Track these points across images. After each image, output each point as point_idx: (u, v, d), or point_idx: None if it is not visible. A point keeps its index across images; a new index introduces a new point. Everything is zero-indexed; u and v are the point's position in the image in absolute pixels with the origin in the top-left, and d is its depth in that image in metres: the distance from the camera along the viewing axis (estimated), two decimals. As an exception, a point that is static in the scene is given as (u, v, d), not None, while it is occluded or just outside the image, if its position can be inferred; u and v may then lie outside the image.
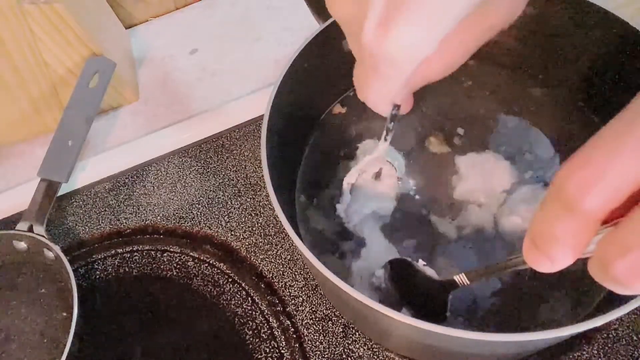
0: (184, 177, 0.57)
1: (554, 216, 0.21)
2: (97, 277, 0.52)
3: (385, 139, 0.40)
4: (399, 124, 0.39)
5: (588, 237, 0.21)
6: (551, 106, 0.48)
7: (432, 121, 0.49)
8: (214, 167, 0.57)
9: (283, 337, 0.47)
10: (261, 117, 0.48)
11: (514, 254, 0.30)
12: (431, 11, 0.25)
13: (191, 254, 0.52)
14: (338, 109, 0.51)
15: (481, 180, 0.45)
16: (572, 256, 0.22)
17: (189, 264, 0.51)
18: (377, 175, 0.45)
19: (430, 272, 0.40)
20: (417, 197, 0.45)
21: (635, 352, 0.43)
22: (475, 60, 0.50)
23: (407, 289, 0.40)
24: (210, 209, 0.55)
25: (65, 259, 0.48)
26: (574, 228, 0.21)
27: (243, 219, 0.53)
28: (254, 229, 0.53)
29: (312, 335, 0.47)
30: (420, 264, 0.40)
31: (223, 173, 0.57)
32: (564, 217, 0.21)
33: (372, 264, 0.43)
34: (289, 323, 0.47)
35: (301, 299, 0.48)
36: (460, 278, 0.36)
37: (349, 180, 0.44)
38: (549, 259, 0.22)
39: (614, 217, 0.20)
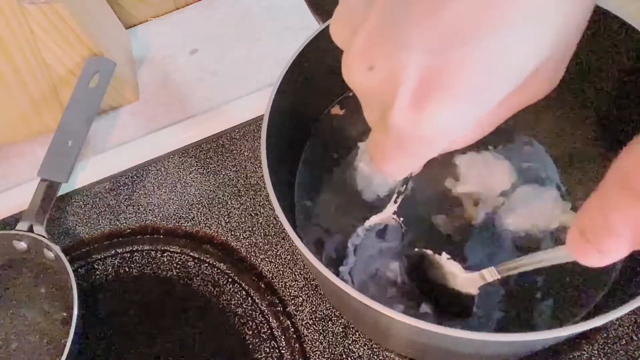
0: (184, 177, 0.57)
1: (615, 205, 0.20)
2: (97, 277, 0.52)
3: (396, 202, 0.39)
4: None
5: None
6: (550, 108, 0.48)
7: None
8: (214, 167, 0.57)
9: (283, 337, 0.47)
10: (261, 117, 0.48)
11: (550, 247, 0.29)
12: (474, 89, 0.23)
13: (191, 254, 0.52)
14: (336, 110, 0.51)
15: (481, 179, 0.45)
16: (628, 249, 0.21)
17: (189, 264, 0.51)
18: (382, 233, 0.43)
19: (454, 266, 0.38)
20: (416, 196, 0.45)
21: (636, 352, 0.43)
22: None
23: (427, 284, 0.39)
24: (210, 209, 0.55)
25: (65, 259, 0.48)
26: (636, 219, 0.20)
27: (243, 219, 0.53)
28: (254, 229, 0.53)
29: (312, 335, 0.47)
30: (444, 257, 0.38)
31: (223, 173, 0.57)
32: (627, 207, 0.20)
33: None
34: (289, 323, 0.47)
35: (301, 299, 0.48)
36: (490, 272, 0.34)
37: (354, 241, 0.43)
38: (600, 251, 0.21)
39: None
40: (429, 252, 0.40)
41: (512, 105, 0.30)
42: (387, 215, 0.41)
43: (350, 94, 0.52)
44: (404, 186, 0.36)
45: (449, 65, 0.22)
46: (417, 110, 0.23)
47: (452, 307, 0.38)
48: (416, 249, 0.41)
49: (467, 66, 0.22)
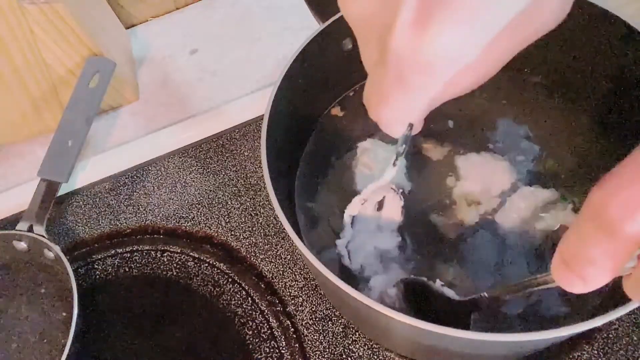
0: (184, 177, 0.57)
1: (591, 238, 0.21)
2: (97, 277, 0.52)
3: (394, 164, 0.37)
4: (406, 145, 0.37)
5: (626, 259, 0.20)
6: (550, 109, 0.48)
7: (427, 135, 0.48)
8: (214, 167, 0.57)
9: (283, 337, 0.47)
10: (261, 117, 0.48)
11: (540, 273, 0.29)
12: (479, 7, 0.21)
13: (191, 254, 0.52)
14: (336, 111, 0.51)
15: (481, 179, 0.45)
16: (607, 277, 0.21)
17: (189, 264, 0.51)
18: (380, 206, 0.42)
19: (449, 292, 0.38)
20: (416, 197, 0.45)
21: (636, 352, 0.43)
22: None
23: (424, 309, 0.38)
24: (210, 209, 0.55)
25: (65, 259, 0.48)
26: (613, 251, 0.20)
27: (243, 219, 0.53)
28: (254, 229, 0.53)
29: (312, 335, 0.47)
30: (438, 284, 0.38)
31: (223, 173, 0.57)
32: (602, 240, 0.20)
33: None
34: (289, 323, 0.47)
35: (301, 299, 0.48)
36: (483, 298, 0.34)
37: (350, 212, 0.41)
38: (583, 280, 0.22)
39: None
40: (424, 278, 0.39)
41: (517, 38, 0.28)
42: (386, 182, 0.39)
43: (351, 94, 0.52)
44: (403, 146, 0.34)
45: None
46: (419, 32, 0.22)
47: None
48: (413, 276, 0.40)
49: None
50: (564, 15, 0.28)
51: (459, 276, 0.41)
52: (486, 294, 0.34)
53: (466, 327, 0.36)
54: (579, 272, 0.22)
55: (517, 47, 0.28)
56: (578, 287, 0.22)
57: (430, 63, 0.23)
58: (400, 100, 0.26)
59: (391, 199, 0.42)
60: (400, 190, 0.41)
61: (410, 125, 0.32)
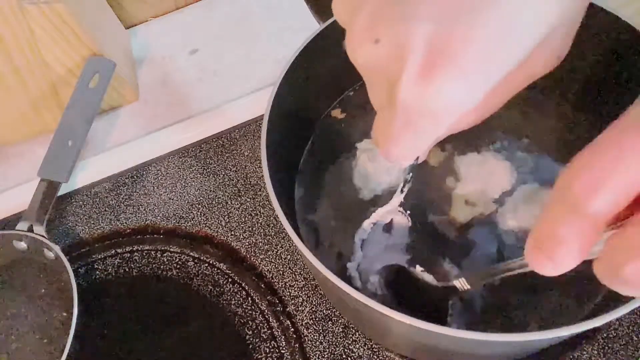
0: (184, 177, 0.57)
1: (558, 218, 0.21)
2: (97, 277, 0.52)
3: (402, 191, 0.39)
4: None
5: (593, 239, 0.21)
6: (550, 108, 0.48)
7: None
8: (214, 167, 0.57)
9: (283, 337, 0.47)
10: (261, 117, 0.48)
11: (516, 257, 0.30)
12: (482, 59, 0.23)
13: (191, 254, 0.52)
14: (336, 113, 0.51)
15: (481, 180, 0.45)
16: (576, 258, 0.22)
17: (189, 264, 0.51)
18: (389, 228, 0.43)
19: (428, 277, 0.39)
20: (416, 196, 0.45)
21: (636, 352, 0.43)
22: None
23: (405, 295, 0.39)
24: (210, 209, 0.55)
25: (65, 259, 0.48)
26: (579, 230, 0.21)
27: (243, 219, 0.53)
28: (254, 229, 0.53)
29: (312, 335, 0.47)
30: (418, 269, 0.39)
31: (223, 173, 0.57)
32: (568, 219, 0.21)
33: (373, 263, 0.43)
34: (289, 323, 0.47)
35: (301, 299, 0.48)
36: (460, 283, 0.35)
37: (360, 236, 0.42)
38: (552, 261, 0.22)
39: (619, 219, 0.20)
40: (404, 265, 0.40)
41: (519, 80, 0.29)
42: (394, 207, 0.40)
43: (351, 93, 0.52)
44: (410, 174, 0.36)
45: (456, 34, 0.22)
46: (425, 82, 0.23)
47: (427, 317, 0.38)
48: (393, 263, 0.41)
49: (474, 35, 0.22)
50: (564, 55, 0.30)
51: (460, 275, 0.41)
52: (464, 280, 0.35)
53: (444, 313, 0.37)
54: (548, 252, 0.22)
55: (515, 89, 0.30)
56: (548, 268, 0.23)
57: (436, 111, 0.24)
58: (408, 140, 0.28)
59: (399, 220, 0.43)
60: (408, 212, 0.42)
61: (417, 157, 0.33)
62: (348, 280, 0.42)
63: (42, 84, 0.57)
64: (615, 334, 0.44)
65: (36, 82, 0.56)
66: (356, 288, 0.41)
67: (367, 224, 0.42)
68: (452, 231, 0.44)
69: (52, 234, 0.55)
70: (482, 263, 0.42)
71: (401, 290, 0.40)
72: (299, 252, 0.50)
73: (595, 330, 0.44)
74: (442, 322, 0.38)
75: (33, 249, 0.51)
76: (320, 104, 0.51)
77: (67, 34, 0.53)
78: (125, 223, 0.55)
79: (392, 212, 0.42)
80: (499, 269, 0.32)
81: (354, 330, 0.46)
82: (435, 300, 0.38)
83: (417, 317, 0.38)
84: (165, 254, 0.52)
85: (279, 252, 0.51)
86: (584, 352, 0.43)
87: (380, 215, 0.42)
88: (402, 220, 0.43)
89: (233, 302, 0.49)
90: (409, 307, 0.38)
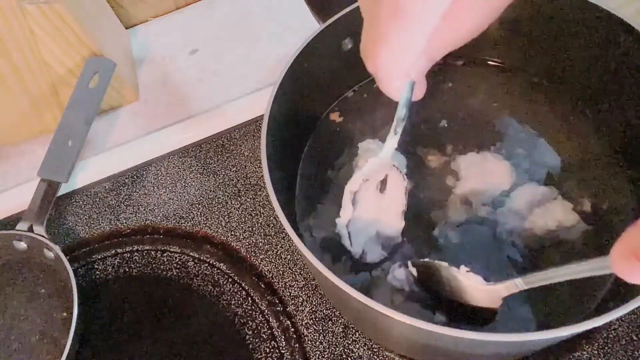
0: (184, 177, 0.57)
1: None
2: (97, 277, 0.52)
3: (396, 132, 0.35)
4: (406, 121, 0.35)
5: None
6: (549, 108, 0.48)
7: (427, 134, 0.48)
8: (214, 167, 0.57)
9: (283, 337, 0.47)
10: (261, 117, 0.48)
11: (538, 270, 0.28)
12: None
13: (191, 254, 0.52)
14: (335, 115, 0.51)
15: (481, 179, 0.45)
16: None
17: (189, 264, 0.51)
18: (383, 186, 0.39)
19: (474, 279, 0.35)
20: (416, 196, 0.45)
21: (635, 352, 0.43)
22: (470, 63, 0.50)
23: (442, 294, 0.37)
24: (210, 209, 0.55)
25: (65, 259, 0.48)
26: None
27: (243, 219, 0.53)
28: (254, 229, 0.53)
29: (312, 335, 0.47)
30: (463, 270, 0.36)
31: (223, 173, 0.57)
32: None
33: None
34: (289, 323, 0.47)
35: (301, 299, 0.48)
36: (516, 284, 0.33)
37: (351, 188, 0.38)
38: None
39: None
40: (444, 264, 0.36)
41: None
42: (389, 150, 0.36)
43: (350, 94, 0.52)
44: (404, 110, 0.32)
45: None
46: None
47: (471, 318, 0.36)
48: (427, 259, 0.38)
49: None
50: None
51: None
52: (520, 280, 0.32)
53: (492, 311, 0.34)
54: None
55: None
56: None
57: None
58: (397, 36, 0.26)
59: (394, 178, 0.39)
60: (405, 171, 0.38)
61: (412, 84, 0.30)
62: (337, 238, 0.39)
63: (42, 84, 0.57)
64: (615, 334, 0.44)
65: (36, 82, 0.56)
66: (345, 247, 0.39)
67: (358, 175, 0.38)
68: (452, 230, 0.44)
69: (52, 234, 0.55)
70: (482, 262, 0.42)
71: (437, 288, 0.37)
72: (299, 252, 0.50)
73: (595, 330, 0.44)
74: (491, 322, 0.36)
75: (33, 249, 0.51)
76: (320, 103, 0.51)
77: (67, 34, 0.53)
78: (125, 223, 0.55)
79: (387, 167, 0.38)
80: (565, 271, 0.30)
81: (354, 330, 0.46)
82: (481, 301, 0.35)
83: (454, 317, 0.36)
84: (165, 254, 0.52)
85: (279, 252, 0.51)
86: (584, 352, 0.43)
87: (373, 165, 0.37)
88: (397, 178, 0.39)
89: (233, 302, 0.49)
90: (445, 306, 0.37)
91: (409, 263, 0.38)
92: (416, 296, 0.39)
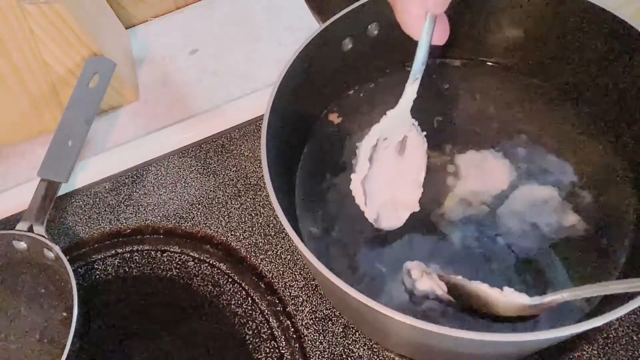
0: (184, 177, 0.57)
1: None
2: (97, 277, 0.52)
3: (415, 78, 0.32)
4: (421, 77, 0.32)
5: None
6: (548, 107, 0.48)
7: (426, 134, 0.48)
8: (214, 167, 0.57)
9: (283, 337, 0.47)
10: (261, 117, 0.48)
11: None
12: None
13: (191, 254, 0.52)
14: (334, 117, 0.51)
15: (481, 178, 0.45)
16: None
17: (189, 264, 0.51)
18: (402, 148, 0.36)
19: (521, 298, 0.33)
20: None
21: (635, 352, 0.43)
22: (469, 63, 0.51)
23: (474, 307, 0.36)
24: (210, 209, 0.55)
25: (65, 259, 0.48)
26: None
27: (243, 219, 0.53)
28: (254, 229, 0.53)
29: (312, 335, 0.47)
30: (507, 291, 0.34)
31: (223, 173, 0.57)
32: None
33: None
34: (289, 323, 0.47)
35: (301, 299, 0.48)
36: (561, 295, 0.32)
37: (368, 143, 0.35)
38: None
39: None
40: (484, 286, 0.34)
41: None
42: (407, 103, 0.33)
43: (350, 92, 0.52)
44: (424, 50, 0.29)
45: None
46: None
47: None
48: (459, 277, 0.37)
49: None
50: None
51: (459, 273, 0.41)
52: (566, 295, 0.31)
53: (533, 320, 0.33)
54: None
55: None
56: None
57: None
58: None
59: (414, 139, 0.36)
60: (424, 133, 0.35)
61: (433, 20, 0.28)
62: (349, 193, 0.36)
63: (42, 84, 0.57)
64: (615, 334, 0.44)
65: (36, 82, 0.56)
66: (358, 205, 0.36)
67: (376, 129, 0.35)
68: (452, 230, 0.44)
69: (52, 234, 0.55)
70: (482, 263, 0.42)
71: (469, 303, 0.36)
72: (299, 252, 0.50)
73: (595, 330, 0.44)
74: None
75: (33, 249, 0.51)
76: (320, 103, 0.51)
77: (67, 34, 0.53)
78: (125, 223, 0.55)
79: (406, 126, 0.34)
80: (614, 287, 0.29)
81: (354, 330, 0.46)
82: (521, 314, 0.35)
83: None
84: (165, 254, 0.52)
85: (279, 252, 0.51)
86: (584, 352, 0.43)
87: (391, 119, 0.34)
88: (417, 141, 0.36)
89: (233, 302, 0.49)
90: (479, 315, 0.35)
91: (435, 276, 0.36)
92: (448, 303, 0.37)
